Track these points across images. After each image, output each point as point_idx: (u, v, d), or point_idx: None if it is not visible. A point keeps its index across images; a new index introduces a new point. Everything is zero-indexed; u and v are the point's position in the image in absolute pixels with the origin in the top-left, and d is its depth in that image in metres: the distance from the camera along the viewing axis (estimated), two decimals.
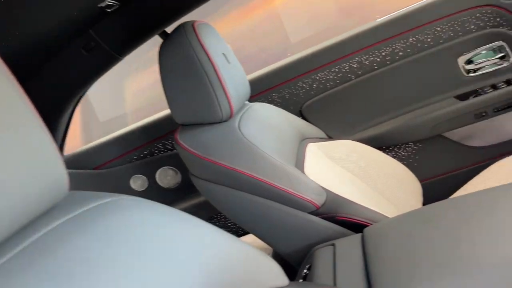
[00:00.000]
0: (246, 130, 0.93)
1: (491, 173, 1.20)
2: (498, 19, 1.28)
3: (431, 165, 1.42)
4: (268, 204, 0.87)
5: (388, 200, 1.18)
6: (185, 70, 0.94)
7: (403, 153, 1.42)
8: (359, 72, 1.38)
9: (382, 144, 1.40)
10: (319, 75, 1.40)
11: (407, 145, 1.41)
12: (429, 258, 0.64)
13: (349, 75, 1.39)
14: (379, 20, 1.38)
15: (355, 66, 1.38)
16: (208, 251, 0.44)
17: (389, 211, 1.07)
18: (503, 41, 1.30)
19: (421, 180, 1.37)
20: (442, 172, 1.43)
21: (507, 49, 1.31)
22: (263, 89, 1.43)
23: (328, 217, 0.90)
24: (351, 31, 1.40)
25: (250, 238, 1.34)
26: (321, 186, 0.94)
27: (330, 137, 1.41)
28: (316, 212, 0.90)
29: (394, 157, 1.41)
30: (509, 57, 1.31)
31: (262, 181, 0.86)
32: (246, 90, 1.07)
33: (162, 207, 0.46)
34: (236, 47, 1.88)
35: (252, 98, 1.41)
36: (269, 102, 1.43)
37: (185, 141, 0.92)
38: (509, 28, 1.28)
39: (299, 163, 1.03)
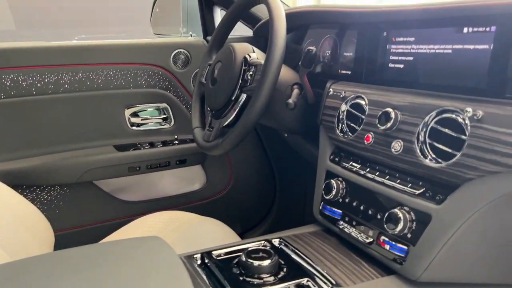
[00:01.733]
0: None
1: (129, 228, 1.18)
2: (167, 83, 1.36)
3: (77, 213, 1.29)
4: None
5: (4, 249, 0.95)
6: None
7: (46, 196, 1.23)
8: (12, 92, 1.15)
9: (21, 181, 1.18)
10: None
11: (52, 188, 1.24)
12: None
13: None
14: (52, 43, 1.23)
15: (8, 83, 1.14)
16: None
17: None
18: (168, 104, 1.38)
19: (61, 229, 1.21)
20: (88, 223, 1.32)
21: (170, 113, 1.39)
22: None
23: None
24: (15, 43, 1.18)
25: None
26: None
27: None
28: None
29: (34, 200, 1.21)
30: (171, 120, 1.40)
31: None
32: None
33: None
34: None
35: None
36: None
37: None
38: (175, 94, 1.38)
39: None
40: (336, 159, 0.89)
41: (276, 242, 0.82)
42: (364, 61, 0.91)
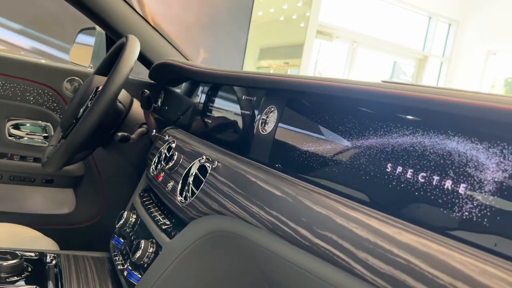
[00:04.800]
0: None
1: None
2: (55, 104, 1.43)
3: None
4: None
5: None
6: None
7: None
8: None
9: None
10: None
11: None
12: None
13: None
14: None
15: None
16: None
17: None
18: (52, 125, 1.45)
19: None
20: None
21: (52, 132, 1.45)
22: None
23: None
24: None
25: None
26: None
27: None
28: None
29: None
30: (50, 138, 1.45)
31: None
32: None
33: None
34: None
35: None
36: None
37: None
38: (60, 116, 1.45)
39: None
40: (141, 193, 0.95)
41: (50, 256, 0.85)
42: (195, 113, 1.01)
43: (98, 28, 1.60)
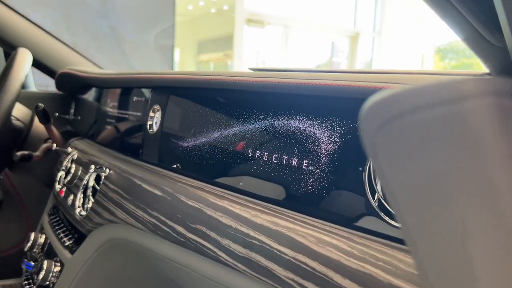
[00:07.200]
0: None
1: None
2: None
3: None
4: None
5: None
6: None
7: None
8: None
9: None
10: None
11: None
12: None
13: None
14: None
15: None
16: None
17: None
18: None
19: None
20: None
21: None
22: None
23: None
24: None
25: None
26: None
27: None
28: None
29: None
30: None
31: None
32: None
33: None
34: None
35: None
36: None
37: None
38: None
39: None
40: (50, 212, 0.91)
41: None
42: (98, 120, 0.98)
43: None
